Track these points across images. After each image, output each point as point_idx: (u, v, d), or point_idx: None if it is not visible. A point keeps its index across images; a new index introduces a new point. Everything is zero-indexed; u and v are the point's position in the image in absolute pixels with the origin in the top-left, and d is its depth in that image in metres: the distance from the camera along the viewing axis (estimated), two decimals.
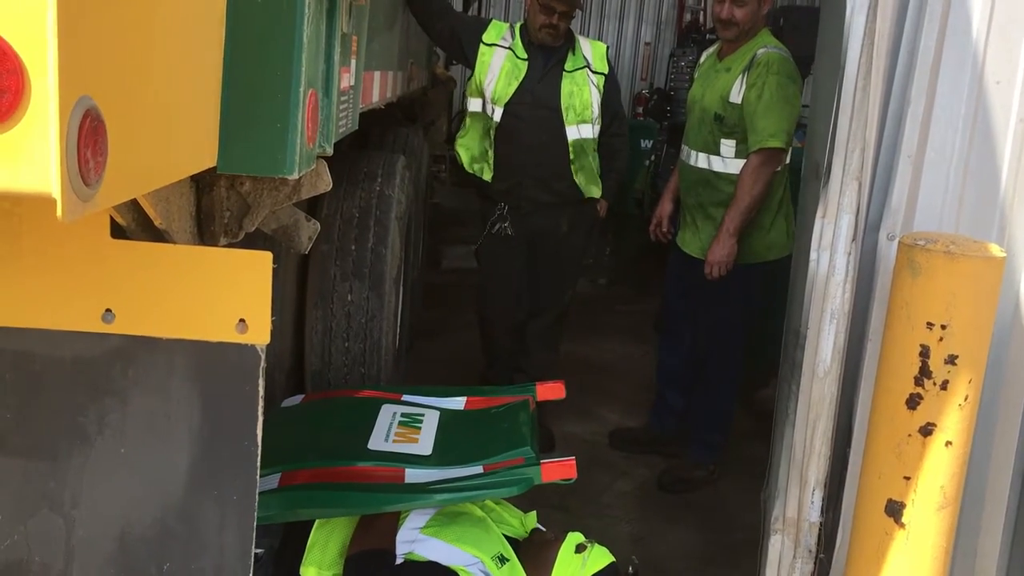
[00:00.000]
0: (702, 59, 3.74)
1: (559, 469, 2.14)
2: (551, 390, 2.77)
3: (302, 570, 2.06)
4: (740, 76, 3.34)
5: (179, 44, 1.10)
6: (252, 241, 1.93)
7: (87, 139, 0.85)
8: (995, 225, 2.07)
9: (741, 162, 3.39)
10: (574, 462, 2.15)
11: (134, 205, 1.38)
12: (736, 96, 3.34)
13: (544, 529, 2.32)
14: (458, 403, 2.70)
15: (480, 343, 4.19)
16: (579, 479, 3.69)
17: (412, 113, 5.58)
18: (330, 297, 3.22)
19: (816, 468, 2.10)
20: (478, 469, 2.20)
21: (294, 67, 1.37)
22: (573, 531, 2.20)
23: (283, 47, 1.36)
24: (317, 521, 2.15)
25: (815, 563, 2.21)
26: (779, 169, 3.42)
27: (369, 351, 3.26)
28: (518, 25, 3.73)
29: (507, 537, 2.18)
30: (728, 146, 3.42)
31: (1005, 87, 2.03)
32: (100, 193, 0.89)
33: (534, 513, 2.38)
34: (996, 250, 1.81)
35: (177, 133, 1.15)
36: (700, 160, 3.54)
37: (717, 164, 3.49)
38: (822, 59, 2.23)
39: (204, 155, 1.30)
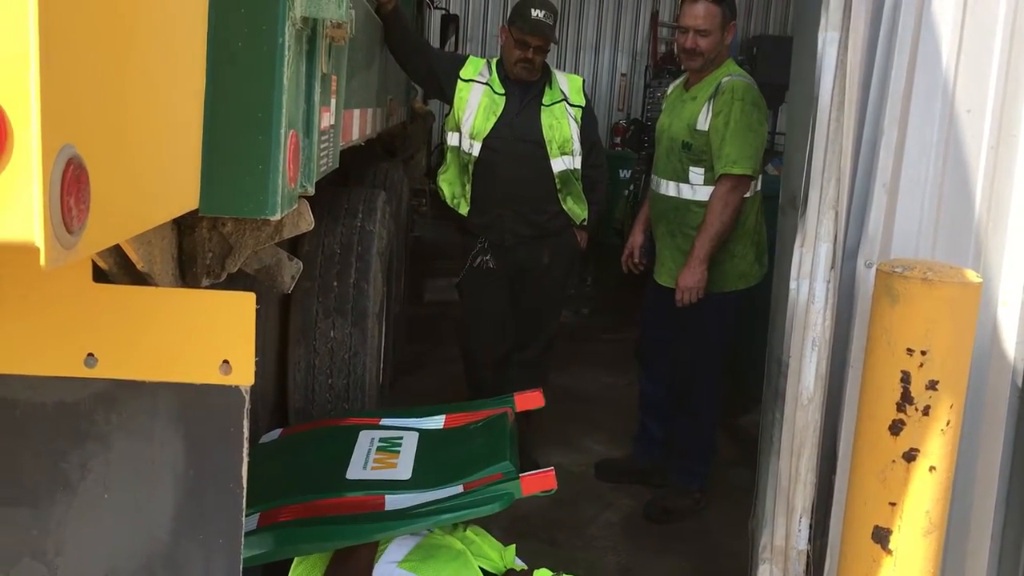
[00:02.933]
0: (669, 90, 3.81)
1: (539, 481, 2.13)
2: (529, 399, 2.76)
3: None
4: (706, 104, 3.41)
5: (160, 89, 1.11)
6: (234, 281, 1.94)
7: (70, 187, 0.85)
8: (970, 250, 2.10)
9: (710, 189, 3.43)
10: (553, 473, 2.14)
11: (116, 249, 1.37)
12: (703, 123, 3.40)
13: (519, 566, 2.30)
14: (437, 422, 2.69)
15: (464, 376, 4.18)
16: (566, 511, 3.72)
17: (392, 148, 5.61)
18: (313, 334, 3.21)
19: (802, 496, 2.10)
20: (458, 489, 2.19)
21: (274, 109, 1.38)
22: (540, 568, 2.18)
23: (263, 89, 1.37)
24: (295, 559, 2.13)
25: None
26: (749, 196, 3.46)
27: (352, 386, 3.25)
28: (495, 60, 3.76)
29: (485, 572, 2.16)
30: (697, 173, 3.47)
31: (975, 115, 2.07)
32: (83, 240, 0.89)
33: (513, 547, 2.36)
34: (972, 276, 1.84)
35: (159, 177, 1.15)
36: (670, 188, 3.58)
37: (687, 192, 3.53)
38: (795, 90, 2.27)
39: (186, 198, 1.30)
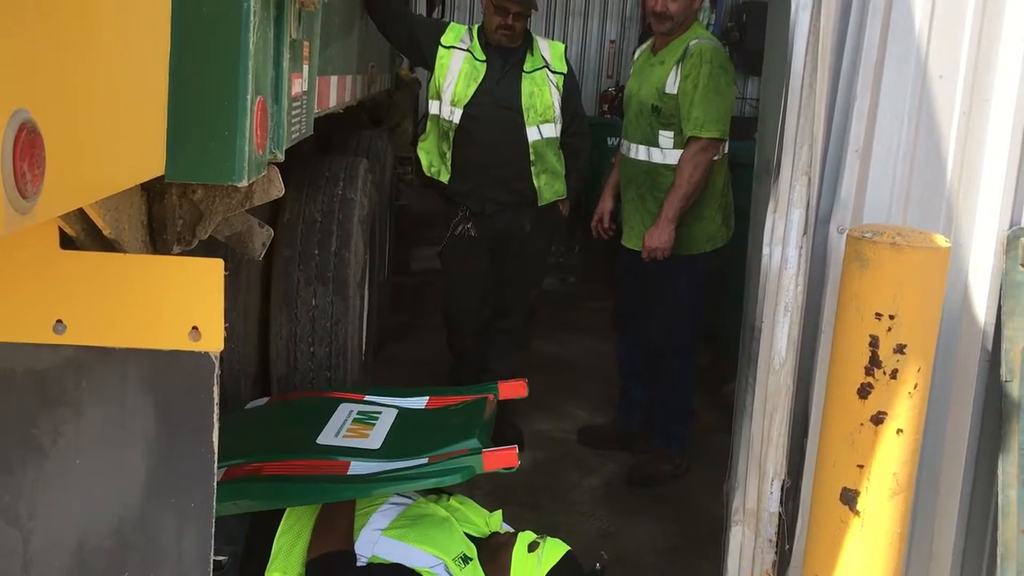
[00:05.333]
0: (636, 55, 3.83)
1: (501, 458, 2.16)
2: (513, 388, 2.79)
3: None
4: (674, 67, 3.43)
5: (122, 54, 1.10)
6: (212, 249, 1.94)
7: (23, 152, 0.85)
8: (942, 216, 2.12)
9: (680, 152, 3.46)
10: (515, 451, 2.17)
11: (83, 215, 1.37)
12: (672, 87, 3.42)
13: (505, 530, 2.34)
14: (419, 403, 2.73)
15: (447, 344, 4.20)
16: (549, 477, 3.76)
17: (378, 116, 5.58)
18: (294, 302, 3.22)
19: (774, 459, 2.13)
20: (423, 460, 2.23)
21: (240, 75, 1.38)
22: (523, 531, 2.22)
23: (229, 55, 1.37)
24: (281, 527, 2.15)
25: (777, 553, 2.24)
26: (718, 159, 3.48)
27: (335, 355, 3.26)
28: (476, 27, 3.74)
29: (470, 537, 2.19)
30: (667, 137, 3.49)
31: (948, 81, 2.07)
32: (39, 205, 0.89)
33: (499, 512, 2.39)
34: (941, 241, 1.86)
35: (121, 143, 1.15)
36: (640, 153, 3.60)
37: (657, 156, 3.55)
38: (770, 57, 2.27)
39: (151, 164, 1.30)
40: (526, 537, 2.19)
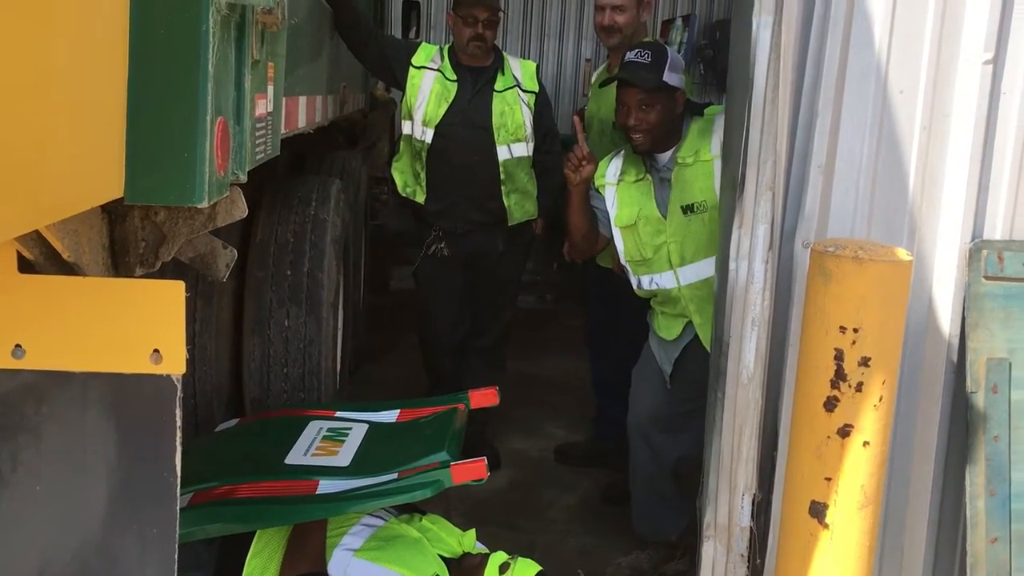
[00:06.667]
0: (593, 77, 3.87)
1: (469, 470, 2.16)
2: (484, 397, 2.79)
3: None
4: None
5: (78, 74, 1.10)
6: (183, 271, 1.92)
7: None
8: (905, 229, 2.14)
9: None
10: (484, 462, 2.16)
11: (41, 238, 1.37)
12: None
13: (478, 550, 2.32)
14: (390, 416, 2.72)
15: (423, 364, 4.19)
16: (526, 495, 3.74)
17: (353, 136, 5.58)
18: (267, 323, 3.20)
19: (744, 473, 2.14)
20: (393, 476, 2.22)
21: (199, 96, 1.37)
22: (496, 552, 2.21)
23: (187, 76, 1.36)
24: (252, 549, 2.13)
25: (749, 567, 2.25)
26: None
27: (308, 376, 3.24)
28: (446, 47, 3.76)
29: (443, 558, 2.18)
30: None
31: (908, 96, 2.10)
32: None
33: (473, 532, 2.38)
34: (903, 254, 1.87)
35: (78, 164, 1.15)
36: None
37: None
38: (733, 75, 2.29)
39: (109, 186, 1.30)
40: (498, 558, 2.18)
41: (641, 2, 3.56)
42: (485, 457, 2.20)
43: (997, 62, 2.08)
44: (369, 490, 2.15)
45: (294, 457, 2.38)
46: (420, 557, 2.15)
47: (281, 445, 2.47)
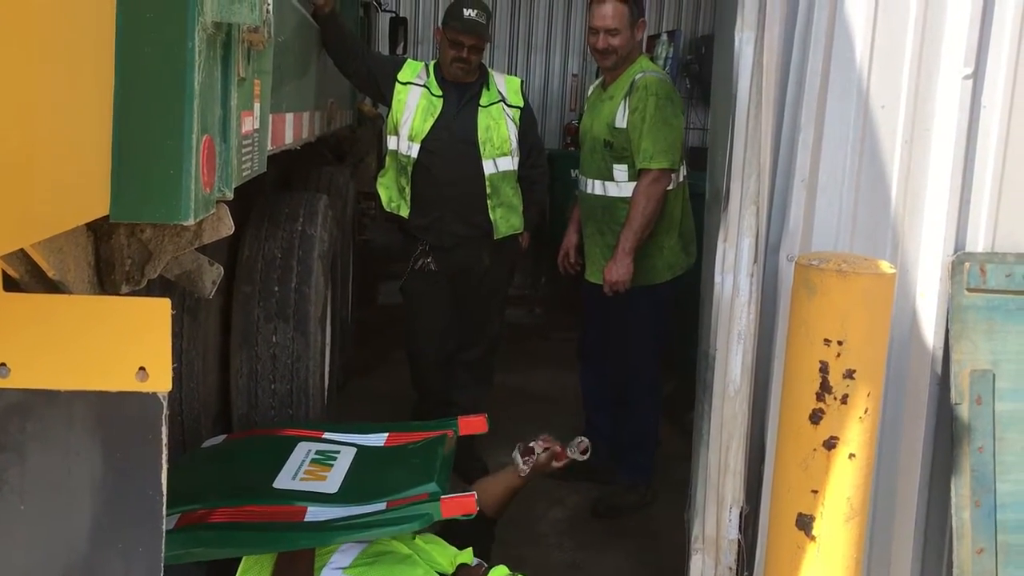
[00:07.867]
0: (589, 91, 3.90)
1: (459, 505, 2.14)
2: (474, 424, 2.78)
3: None
4: (622, 101, 3.48)
5: (63, 94, 1.10)
6: (170, 288, 1.92)
7: None
8: (888, 242, 2.16)
9: (634, 184, 3.49)
10: (474, 497, 2.16)
11: (26, 257, 1.36)
12: (621, 121, 3.48)
13: (473, 564, 2.31)
14: (379, 439, 2.70)
15: (411, 379, 4.18)
16: (514, 509, 3.73)
17: (341, 152, 5.59)
18: (254, 339, 3.19)
19: (732, 486, 2.14)
20: (382, 506, 2.20)
21: (185, 114, 1.38)
22: (499, 565, 2.20)
23: (173, 94, 1.37)
24: (239, 570, 2.12)
25: None
26: (672, 188, 3.53)
27: (296, 392, 3.23)
28: (432, 63, 3.77)
29: (439, 573, 2.17)
30: (620, 171, 3.54)
31: (890, 110, 2.12)
32: None
33: (470, 550, 2.36)
34: (886, 267, 1.89)
35: (63, 183, 1.15)
36: (596, 188, 3.66)
37: (612, 190, 3.60)
38: (717, 90, 2.31)
39: (95, 204, 1.30)
40: (500, 571, 2.17)
41: (635, 23, 3.54)
42: (475, 493, 2.19)
43: (977, 76, 2.11)
44: (357, 520, 2.13)
45: (282, 481, 2.36)
46: (411, 571, 2.14)
47: (269, 467, 2.44)
